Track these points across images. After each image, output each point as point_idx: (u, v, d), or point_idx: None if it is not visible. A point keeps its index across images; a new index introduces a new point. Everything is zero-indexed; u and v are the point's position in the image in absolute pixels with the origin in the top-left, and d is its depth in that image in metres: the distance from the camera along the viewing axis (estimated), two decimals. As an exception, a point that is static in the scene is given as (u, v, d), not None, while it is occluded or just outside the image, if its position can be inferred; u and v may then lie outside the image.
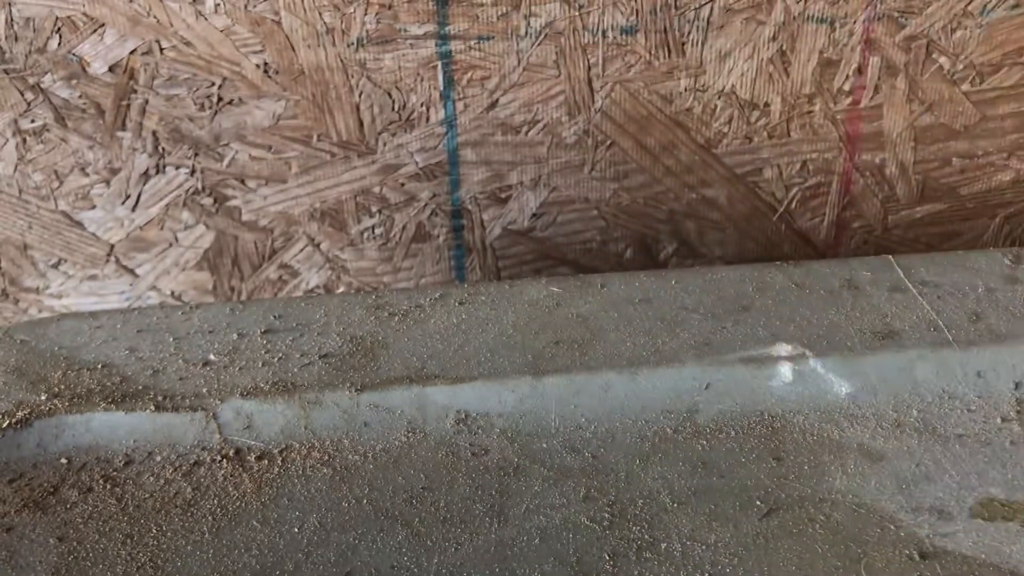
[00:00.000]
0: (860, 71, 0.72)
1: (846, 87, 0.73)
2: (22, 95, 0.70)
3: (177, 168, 0.74)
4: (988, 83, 0.73)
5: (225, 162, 0.74)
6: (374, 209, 0.76)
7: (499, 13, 0.69)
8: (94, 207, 0.75)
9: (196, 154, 0.73)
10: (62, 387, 0.57)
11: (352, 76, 0.71)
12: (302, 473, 0.53)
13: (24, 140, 0.72)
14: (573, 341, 0.58)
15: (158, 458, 0.54)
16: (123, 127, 0.72)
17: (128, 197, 0.75)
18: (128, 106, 0.71)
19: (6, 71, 0.69)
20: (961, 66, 0.73)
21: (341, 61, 0.70)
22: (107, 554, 0.49)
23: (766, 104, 0.73)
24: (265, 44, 0.69)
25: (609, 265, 0.80)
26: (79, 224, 0.76)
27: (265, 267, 0.78)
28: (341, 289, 0.79)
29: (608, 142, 0.74)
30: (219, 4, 0.68)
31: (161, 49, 0.69)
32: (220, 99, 0.71)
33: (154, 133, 0.72)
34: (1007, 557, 0.47)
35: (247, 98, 0.71)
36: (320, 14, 0.69)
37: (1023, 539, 0.48)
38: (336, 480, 0.52)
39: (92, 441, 0.55)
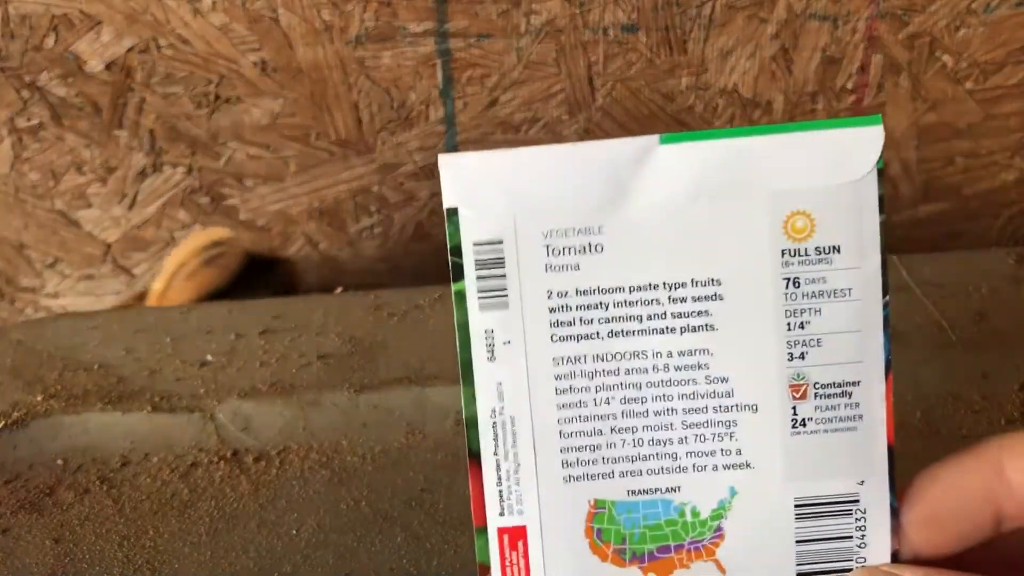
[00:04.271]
0: (863, 69, 0.72)
1: (849, 85, 0.73)
2: (18, 93, 0.70)
3: (174, 167, 0.73)
4: (992, 81, 0.73)
5: (222, 161, 0.73)
6: (373, 208, 0.76)
7: (499, 11, 0.69)
8: (90, 206, 0.75)
9: (193, 152, 0.73)
10: (58, 387, 0.56)
11: (350, 74, 0.71)
12: (300, 475, 0.53)
13: (20, 139, 0.72)
14: (574, 341, 0.57)
15: (155, 459, 0.54)
16: (120, 125, 0.72)
17: (125, 196, 0.74)
18: (125, 104, 0.71)
19: (2, 69, 0.69)
20: (964, 64, 0.72)
21: (339, 59, 0.70)
22: (104, 556, 0.49)
23: (768, 102, 0.73)
24: (263, 42, 0.69)
25: (609, 265, 0.80)
26: (75, 223, 0.75)
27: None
28: (339, 289, 0.79)
29: (609, 141, 0.74)
30: (216, 1, 0.67)
31: (158, 47, 0.69)
32: (217, 97, 0.71)
33: (151, 131, 0.72)
34: (1013, 560, 0.46)
35: (245, 96, 0.71)
36: (318, 11, 0.68)
37: (1029, 542, 0.47)
38: (334, 482, 0.52)
39: (88, 442, 0.55)
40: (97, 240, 0.76)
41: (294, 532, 0.50)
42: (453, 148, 0.74)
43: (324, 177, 0.75)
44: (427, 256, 0.79)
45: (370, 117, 0.73)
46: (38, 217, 0.75)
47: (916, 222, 0.79)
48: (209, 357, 0.58)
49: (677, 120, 0.73)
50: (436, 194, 0.76)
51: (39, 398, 0.55)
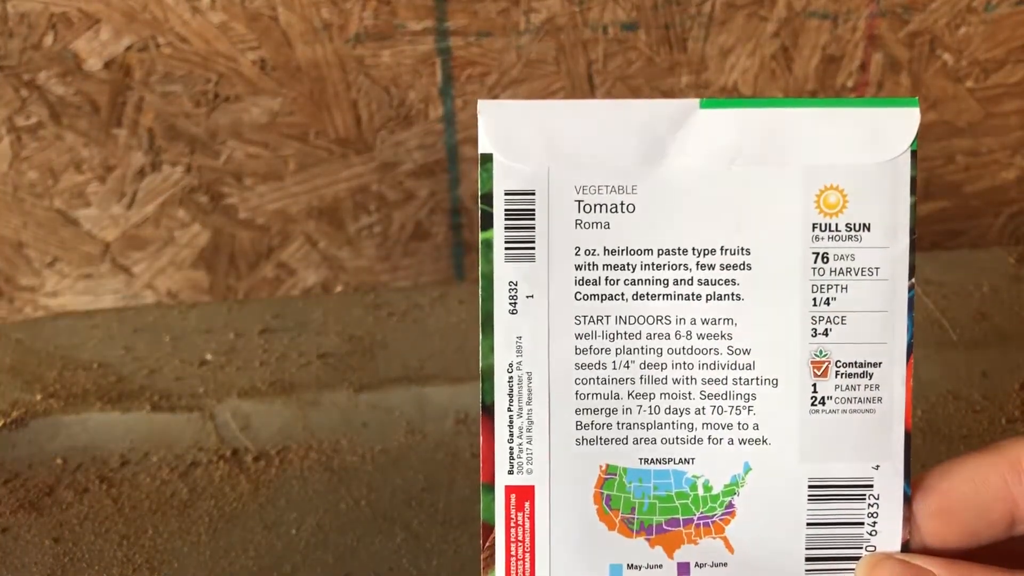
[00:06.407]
0: (863, 67, 0.72)
1: (849, 84, 0.73)
2: (16, 92, 0.70)
3: (173, 165, 0.73)
4: (992, 80, 0.73)
5: (221, 159, 0.73)
6: (372, 207, 0.76)
7: (498, 9, 0.69)
8: (89, 205, 0.74)
9: (192, 151, 0.73)
10: (58, 387, 0.56)
11: (349, 72, 0.70)
12: (300, 474, 0.52)
13: (19, 137, 0.72)
14: (574, 340, 0.57)
15: (154, 459, 0.54)
16: (119, 124, 0.71)
17: (124, 195, 0.74)
18: (124, 103, 0.71)
19: (1, 68, 0.69)
20: (965, 62, 0.72)
21: (338, 57, 0.70)
22: (103, 555, 0.49)
23: (768, 101, 0.73)
24: (262, 40, 0.69)
25: (609, 263, 0.79)
26: (74, 222, 0.75)
27: (262, 265, 0.78)
28: (339, 288, 0.79)
29: (608, 139, 0.74)
30: None
31: (157, 45, 0.69)
32: (216, 96, 0.71)
33: (150, 130, 0.72)
34: (1014, 559, 0.46)
35: (244, 95, 0.71)
36: (317, 10, 0.68)
37: (1030, 541, 0.47)
38: (334, 481, 0.52)
39: (88, 441, 0.54)
40: (96, 239, 0.76)
41: (294, 532, 0.49)
42: (452, 147, 0.74)
43: (323, 176, 0.74)
44: (427, 255, 0.78)
45: (369, 116, 0.72)
46: (37, 216, 0.75)
47: (916, 221, 0.79)
48: (209, 356, 0.58)
49: (677, 118, 0.73)
50: (436, 192, 0.76)
51: (38, 397, 0.55)
